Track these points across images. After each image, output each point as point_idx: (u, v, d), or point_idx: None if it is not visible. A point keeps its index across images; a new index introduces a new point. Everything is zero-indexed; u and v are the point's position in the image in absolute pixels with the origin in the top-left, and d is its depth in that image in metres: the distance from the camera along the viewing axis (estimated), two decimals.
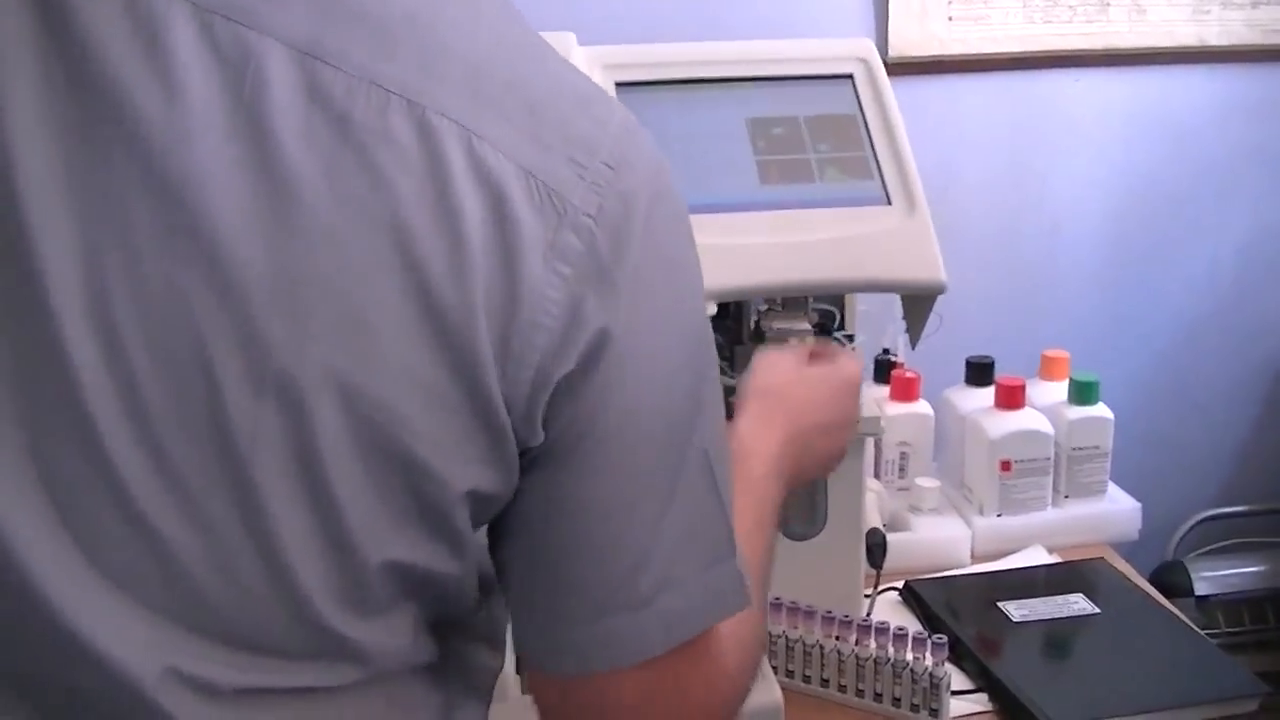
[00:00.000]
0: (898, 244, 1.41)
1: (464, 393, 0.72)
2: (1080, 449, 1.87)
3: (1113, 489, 1.91)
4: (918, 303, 1.43)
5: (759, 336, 1.49)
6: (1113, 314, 2.27)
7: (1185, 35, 2.24)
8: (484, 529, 0.82)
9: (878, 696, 1.46)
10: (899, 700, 1.45)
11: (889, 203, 1.43)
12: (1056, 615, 1.65)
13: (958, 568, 1.80)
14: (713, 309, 1.44)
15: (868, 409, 1.52)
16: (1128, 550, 1.88)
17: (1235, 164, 2.27)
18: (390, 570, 0.76)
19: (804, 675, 1.49)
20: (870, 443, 1.70)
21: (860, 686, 1.47)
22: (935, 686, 1.43)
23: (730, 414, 1.11)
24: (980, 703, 1.50)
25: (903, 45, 2.12)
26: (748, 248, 1.38)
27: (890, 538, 1.69)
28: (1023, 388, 1.85)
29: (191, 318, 0.69)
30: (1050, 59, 2.20)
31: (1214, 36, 2.25)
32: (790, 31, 1.41)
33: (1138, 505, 1.89)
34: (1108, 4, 2.22)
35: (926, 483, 1.86)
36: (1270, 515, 2.39)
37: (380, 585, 0.76)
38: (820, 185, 1.45)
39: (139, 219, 0.69)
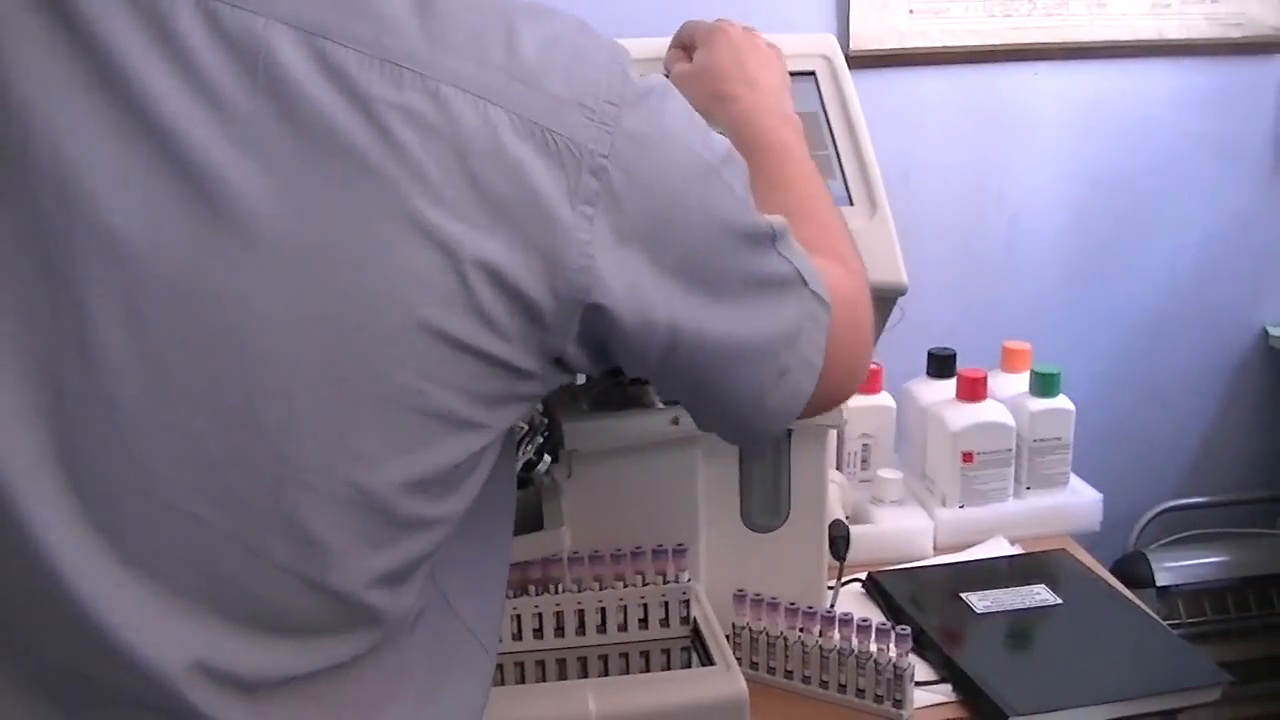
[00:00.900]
0: (859, 245, 1.41)
1: (488, 345, 0.76)
2: (1042, 440, 1.87)
3: (1074, 480, 1.92)
4: (879, 304, 1.43)
5: None
6: (1073, 305, 2.27)
7: (1145, 29, 2.24)
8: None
9: (842, 688, 1.46)
10: (863, 691, 1.45)
11: (850, 203, 1.44)
12: (1019, 606, 1.65)
13: (921, 559, 1.80)
14: None
15: None
16: (1090, 541, 1.88)
17: (1194, 157, 2.28)
18: (410, 490, 0.78)
19: (768, 667, 1.49)
20: (833, 435, 1.70)
21: (824, 678, 1.47)
22: (899, 677, 1.43)
23: None
24: (944, 693, 1.50)
25: (864, 38, 2.12)
26: None
27: (853, 529, 1.69)
28: (984, 380, 1.86)
29: (221, 299, 0.70)
30: (1010, 52, 2.20)
31: (1173, 30, 2.25)
32: (751, 23, 1.42)
33: (1099, 496, 1.90)
34: None
35: (889, 474, 1.86)
36: (1231, 506, 2.40)
37: (401, 521, 0.78)
38: None
39: (165, 204, 0.70)
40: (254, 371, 0.71)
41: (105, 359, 0.71)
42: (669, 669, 1.44)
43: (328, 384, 0.72)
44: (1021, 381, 1.91)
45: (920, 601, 1.66)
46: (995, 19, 2.21)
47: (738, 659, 1.40)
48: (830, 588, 1.63)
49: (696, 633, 1.45)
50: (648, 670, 1.43)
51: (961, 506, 1.85)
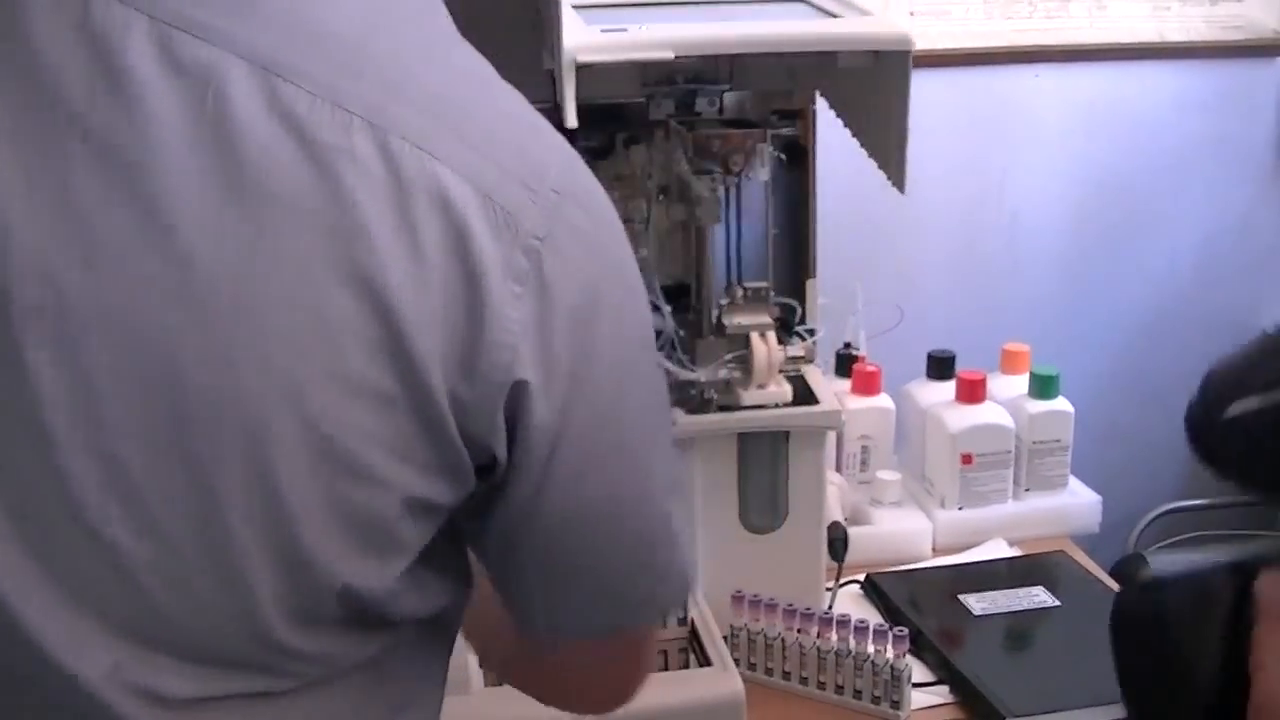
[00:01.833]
0: (857, 19, 1.45)
1: (413, 402, 0.73)
2: (1041, 443, 1.87)
3: (1073, 482, 1.92)
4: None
5: (719, 330, 1.49)
6: (1073, 306, 2.28)
7: (1145, 31, 2.25)
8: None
9: (839, 689, 1.46)
10: (860, 693, 1.45)
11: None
12: (1017, 608, 1.65)
13: (919, 560, 1.80)
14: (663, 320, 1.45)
15: (828, 402, 1.52)
16: (1088, 543, 1.88)
17: (1193, 158, 2.29)
18: (342, 590, 0.76)
19: (766, 668, 1.49)
20: (832, 436, 1.70)
21: (822, 679, 1.47)
22: (896, 679, 1.43)
23: None
24: (941, 695, 1.50)
25: None
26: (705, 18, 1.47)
27: (852, 531, 1.70)
28: (983, 381, 1.86)
29: (157, 330, 0.69)
30: (1011, 55, 2.21)
31: (1173, 33, 2.27)
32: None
33: (1098, 499, 1.90)
34: (1067, 0, 2.24)
35: (888, 476, 1.87)
36: (1229, 509, 2.40)
37: (331, 602, 0.76)
38: None
39: (104, 233, 0.69)
40: (184, 404, 0.70)
41: (34, 376, 0.70)
42: (667, 669, 1.44)
43: (256, 423, 0.71)
44: (1021, 383, 1.91)
45: (918, 603, 1.66)
46: (995, 21, 2.22)
47: (735, 660, 1.40)
48: (828, 589, 1.63)
49: (694, 633, 1.45)
50: None
51: (960, 508, 1.85)
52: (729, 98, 1.54)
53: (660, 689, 1.33)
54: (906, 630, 1.45)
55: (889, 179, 1.41)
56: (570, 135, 1.45)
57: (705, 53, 1.41)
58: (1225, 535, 2.31)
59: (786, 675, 1.49)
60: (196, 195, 0.69)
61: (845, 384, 1.89)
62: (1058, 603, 1.66)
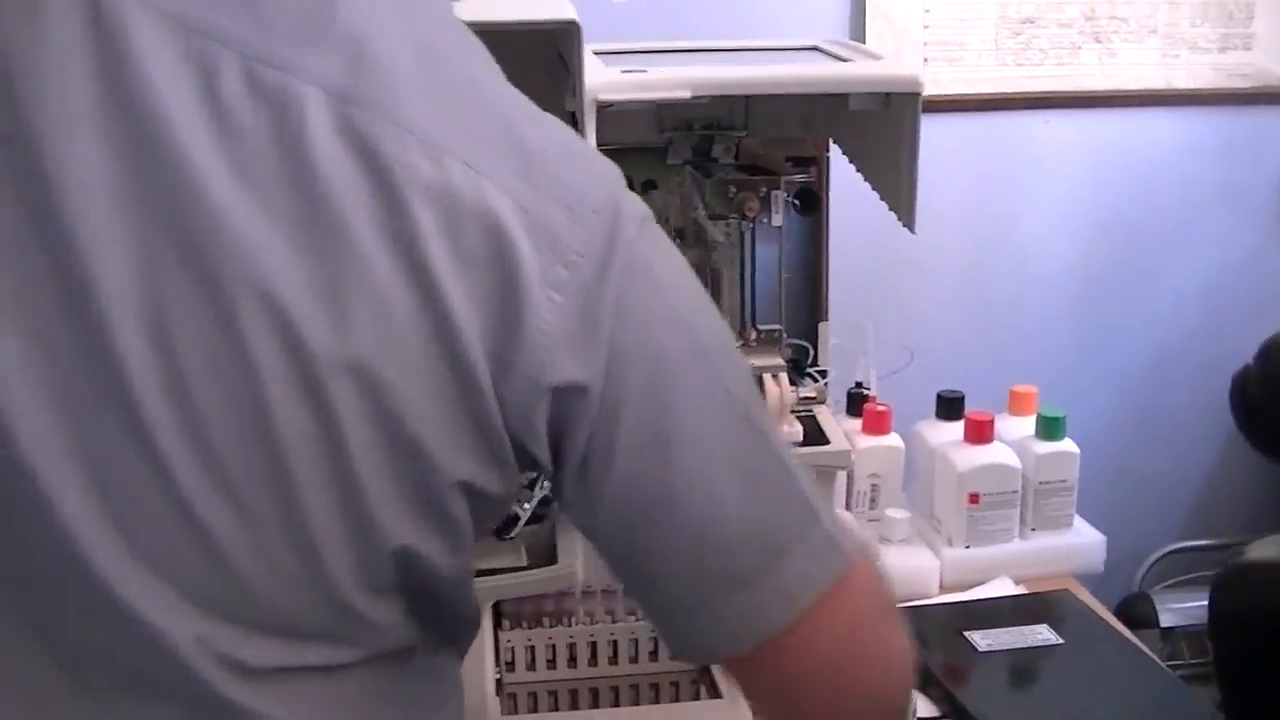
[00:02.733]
0: (869, 63, 1.50)
1: (462, 393, 0.79)
2: (1047, 483, 1.91)
3: (1079, 522, 1.95)
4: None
5: None
6: (1080, 348, 2.31)
7: (1154, 79, 2.29)
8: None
9: None
10: None
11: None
12: (1022, 645, 1.68)
13: (926, 597, 1.84)
14: None
15: (838, 442, 1.56)
16: (1094, 582, 1.92)
17: (1199, 203, 2.33)
18: (401, 554, 0.82)
19: None
20: (841, 475, 1.74)
21: None
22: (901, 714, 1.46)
23: None
24: None
25: None
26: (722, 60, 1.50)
27: None
28: (991, 422, 1.89)
29: (237, 322, 0.75)
30: (1022, 100, 2.25)
31: (1182, 80, 2.30)
32: None
33: (1103, 538, 1.93)
34: (1079, 47, 2.28)
35: (896, 514, 1.90)
36: (1235, 549, 2.43)
37: (391, 568, 0.82)
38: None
39: (189, 236, 0.75)
40: (262, 388, 0.76)
41: (128, 366, 0.75)
42: (678, 701, 1.47)
43: (330, 404, 0.77)
44: (1028, 424, 1.95)
45: (924, 639, 1.69)
46: (1008, 67, 2.26)
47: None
48: None
49: (705, 666, 1.48)
50: (657, 702, 1.47)
51: (967, 546, 1.88)
52: (745, 144, 1.59)
53: None
54: None
55: (900, 220, 1.45)
56: None
57: (721, 93, 1.44)
58: None
59: None
60: (273, 206, 0.75)
61: (856, 423, 1.93)
62: (1061, 640, 1.69)
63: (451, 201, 0.77)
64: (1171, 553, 2.41)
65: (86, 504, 0.77)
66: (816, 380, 1.63)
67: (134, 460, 0.76)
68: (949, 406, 1.97)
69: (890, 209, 1.48)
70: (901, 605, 1.74)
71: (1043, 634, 1.71)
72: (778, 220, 1.56)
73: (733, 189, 1.52)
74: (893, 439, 1.93)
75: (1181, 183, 2.32)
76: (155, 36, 0.76)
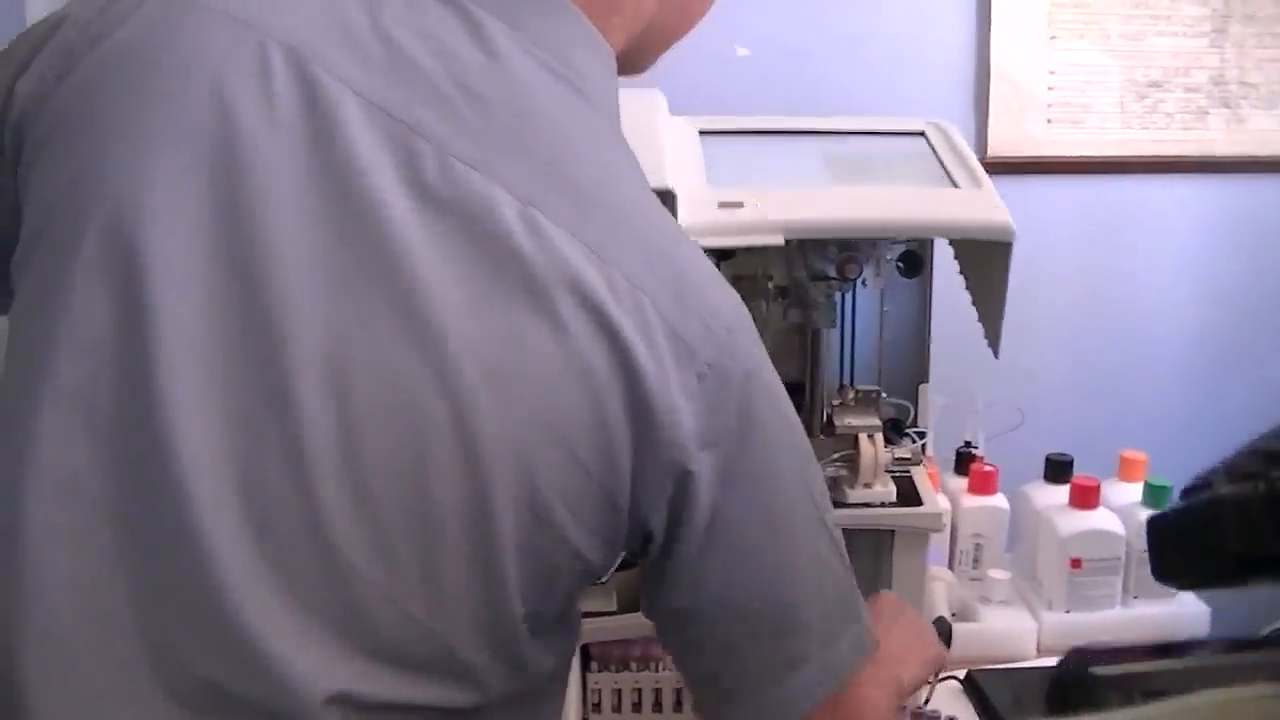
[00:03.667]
0: (964, 201, 1.51)
1: (605, 481, 0.88)
2: None
3: (1184, 594, 1.94)
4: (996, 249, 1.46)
5: (829, 430, 1.56)
6: (1193, 417, 2.29)
7: None
8: None
9: None
10: None
11: (956, 186, 1.53)
12: None
13: (1023, 660, 1.83)
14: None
15: (931, 504, 1.57)
16: None
17: None
18: (523, 619, 0.90)
19: None
20: (944, 534, 1.75)
21: None
22: None
23: None
24: None
25: (1000, 145, 2.18)
26: (817, 198, 1.49)
27: (957, 627, 1.74)
28: (1097, 488, 1.89)
29: (414, 390, 0.83)
30: (1145, 164, 2.25)
31: None
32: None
33: (1207, 610, 1.91)
34: (1206, 112, 2.27)
35: (997, 574, 1.90)
36: None
37: (512, 622, 0.90)
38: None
39: (376, 304, 0.84)
40: (428, 453, 0.83)
41: (302, 414, 0.83)
42: None
43: (486, 475, 0.85)
44: (1136, 491, 1.94)
45: (1017, 703, 1.69)
46: (1132, 130, 2.26)
47: None
48: (928, 683, 1.67)
49: None
50: None
51: (1068, 611, 1.88)
52: None
53: None
54: None
55: (986, 338, 1.47)
56: None
57: (813, 237, 1.51)
58: None
59: None
60: (454, 284, 0.84)
61: (963, 482, 1.94)
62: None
63: (605, 312, 0.86)
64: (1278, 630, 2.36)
65: (239, 534, 0.83)
66: (914, 441, 1.65)
67: (292, 498, 0.83)
68: (1057, 470, 1.96)
69: (978, 320, 1.50)
70: (996, 667, 1.77)
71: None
72: (879, 284, 1.58)
73: (834, 250, 1.55)
74: (998, 499, 1.93)
75: None
76: (361, 120, 0.86)
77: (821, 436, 1.56)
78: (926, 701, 1.62)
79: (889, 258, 1.59)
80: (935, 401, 1.74)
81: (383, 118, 0.86)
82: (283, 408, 0.83)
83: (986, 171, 1.61)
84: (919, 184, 1.54)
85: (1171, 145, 2.25)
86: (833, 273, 1.56)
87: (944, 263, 1.65)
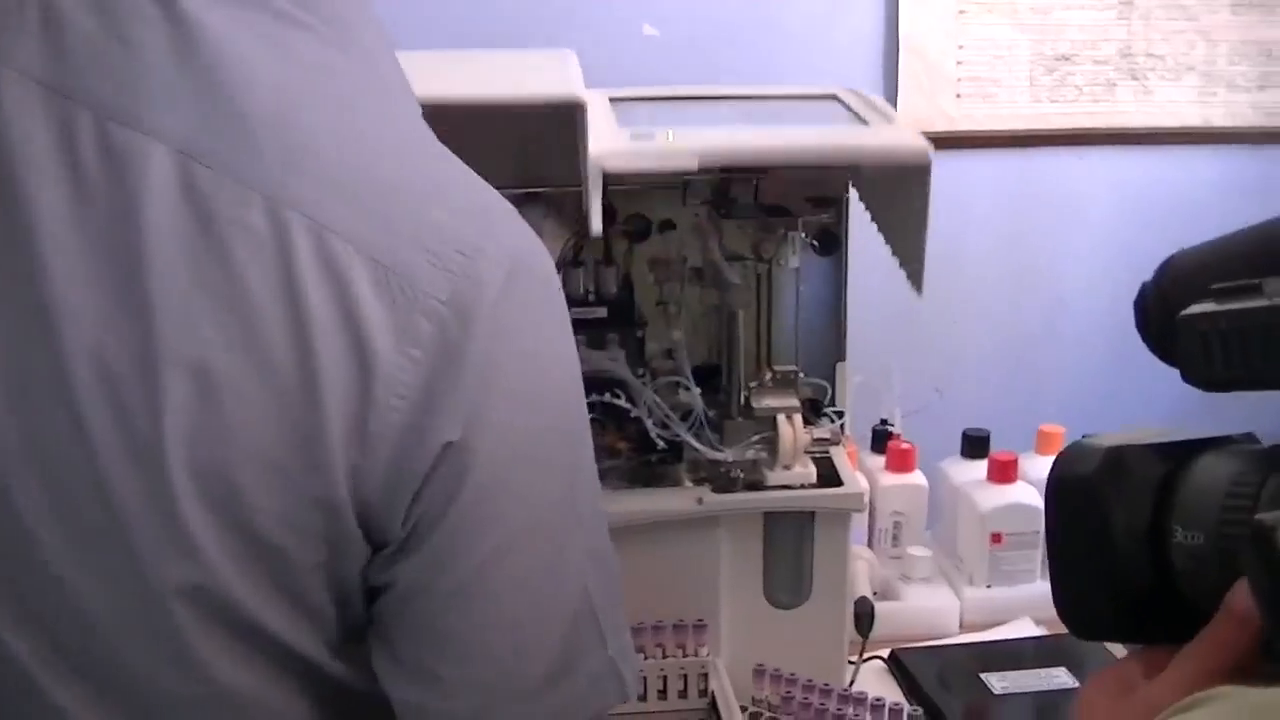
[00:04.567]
0: (878, 132, 1.48)
1: (306, 469, 0.77)
2: None
3: None
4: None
5: (748, 412, 1.54)
6: (1112, 390, 2.30)
7: (1191, 116, 2.29)
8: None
9: None
10: None
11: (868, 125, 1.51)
12: (1039, 688, 1.67)
13: (946, 637, 1.83)
14: (693, 400, 1.50)
15: (851, 484, 1.56)
16: None
17: None
18: (260, 633, 0.81)
19: None
20: (862, 514, 1.74)
21: None
22: None
23: None
24: None
25: (910, 120, 2.17)
26: (733, 131, 1.48)
27: (880, 606, 1.73)
28: (1015, 462, 1.88)
29: (75, 390, 0.75)
30: (1057, 137, 2.25)
31: (1219, 118, 2.30)
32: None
33: None
34: (1114, 84, 2.28)
35: (918, 552, 1.89)
36: None
37: (259, 646, 0.82)
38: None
39: (35, 299, 0.76)
40: (98, 461, 0.76)
41: None
42: None
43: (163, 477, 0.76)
44: None
45: (942, 680, 1.68)
46: (1042, 104, 2.26)
47: None
48: (851, 663, 1.66)
49: (713, 706, 1.49)
50: None
51: (989, 586, 1.88)
52: (764, 184, 1.60)
53: None
54: (921, 709, 1.48)
55: (908, 278, 1.45)
56: (607, 220, 1.51)
57: (728, 164, 1.46)
58: None
59: None
60: (94, 270, 0.75)
61: (881, 459, 1.93)
62: (1078, 685, 1.69)
63: (286, 260, 0.75)
64: None
65: None
66: (833, 421, 1.63)
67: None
68: (974, 445, 1.96)
69: (900, 265, 1.48)
70: (919, 645, 1.76)
71: (1060, 678, 1.70)
72: (794, 263, 1.56)
73: (750, 231, 1.53)
74: (916, 477, 1.92)
75: (1218, 222, 2.26)
76: (22, 100, 0.77)
77: (740, 419, 1.54)
78: (851, 683, 1.61)
79: (805, 236, 1.57)
80: (851, 379, 1.73)
81: (40, 91, 0.77)
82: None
83: None
84: (834, 124, 1.54)
85: (1082, 118, 2.26)
86: (748, 252, 1.54)
87: (858, 240, 1.64)
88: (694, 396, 1.54)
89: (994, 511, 1.86)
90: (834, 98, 1.59)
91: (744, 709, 1.50)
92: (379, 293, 0.76)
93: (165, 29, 0.77)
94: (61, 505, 0.77)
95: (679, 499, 1.51)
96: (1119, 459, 0.77)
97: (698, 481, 1.54)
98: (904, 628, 1.81)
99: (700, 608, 1.53)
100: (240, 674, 0.82)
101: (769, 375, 1.57)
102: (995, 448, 1.93)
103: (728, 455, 1.52)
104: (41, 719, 0.81)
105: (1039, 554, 1.88)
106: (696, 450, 1.52)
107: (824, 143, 1.46)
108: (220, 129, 0.77)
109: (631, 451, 1.55)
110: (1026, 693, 1.67)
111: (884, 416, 1.98)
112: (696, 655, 1.49)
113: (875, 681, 1.67)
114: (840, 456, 1.62)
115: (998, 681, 1.68)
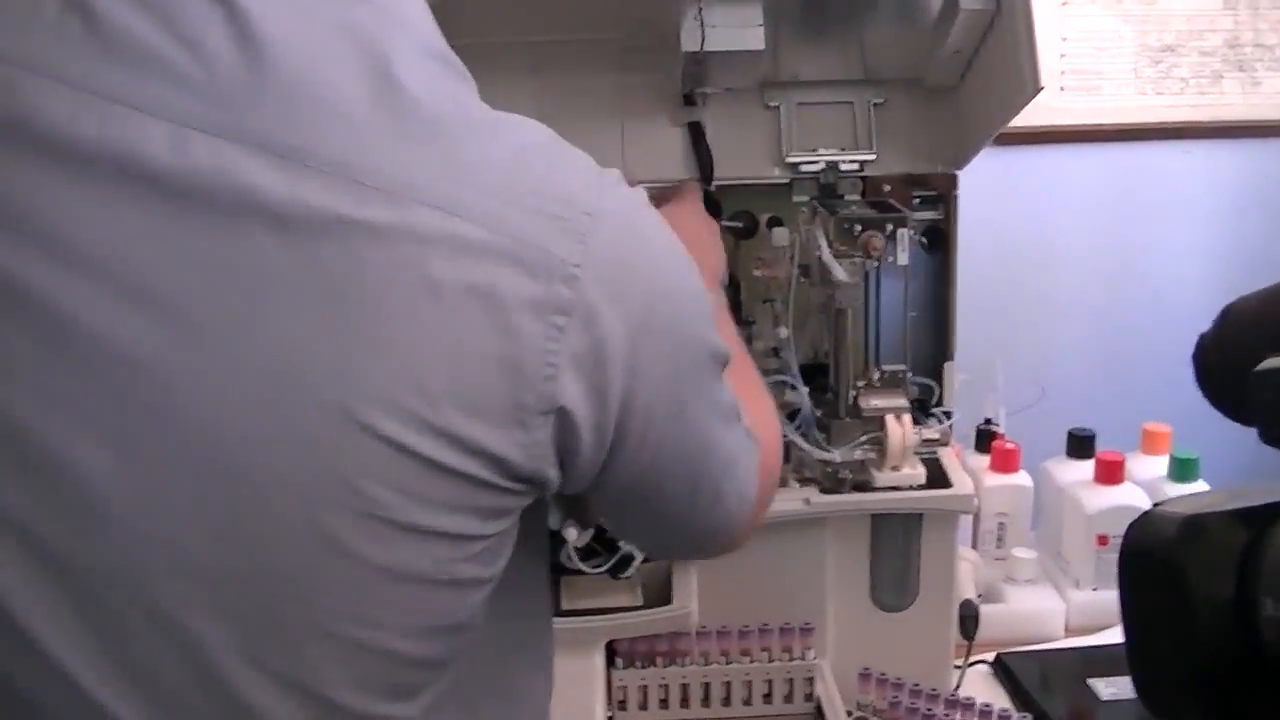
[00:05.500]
0: None
1: (459, 462, 0.75)
2: None
3: None
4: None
5: (856, 411, 1.52)
6: None
7: None
8: None
9: None
10: None
11: None
12: None
13: (1051, 640, 1.80)
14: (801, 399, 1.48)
15: (961, 486, 1.54)
16: None
17: None
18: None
19: None
20: (967, 516, 1.71)
21: None
22: None
23: None
24: None
25: None
26: None
27: (984, 609, 1.70)
28: (1122, 463, 1.85)
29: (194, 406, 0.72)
30: (1161, 130, 2.21)
31: None
32: None
33: None
34: (1221, 76, 2.23)
35: (1023, 554, 1.87)
36: None
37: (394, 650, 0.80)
38: None
39: (134, 323, 0.72)
40: (232, 488, 0.73)
41: (87, 476, 0.73)
42: None
43: (305, 500, 0.73)
44: (1161, 464, 1.91)
45: (1047, 683, 1.66)
46: (1147, 96, 2.22)
47: None
48: (957, 667, 1.64)
49: (819, 711, 1.47)
50: None
51: (1095, 589, 1.84)
52: (871, 182, 1.58)
53: None
54: (1029, 716, 1.46)
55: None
56: (714, 214, 1.50)
57: None
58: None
59: None
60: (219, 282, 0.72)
61: (984, 460, 1.90)
62: None
63: (419, 249, 0.72)
64: None
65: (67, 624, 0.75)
66: (941, 421, 1.61)
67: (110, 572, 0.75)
68: (1079, 445, 1.93)
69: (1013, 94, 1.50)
70: (1025, 649, 1.73)
71: None
72: (904, 259, 1.54)
73: (858, 227, 1.51)
74: (1021, 477, 1.89)
75: None
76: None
77: (848, 419, 1.52)
78: (957, 688, 1.59)
79: (914, 233, 1.54)
80: (956, 378, 1.70)
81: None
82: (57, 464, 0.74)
83: (1000, 141, 1.59)
84: None
85: (1186, 110, 2.21)
86: (856, 250, 1.51)
87: (964, 238, 1.62)
88: (801, 396, 1.52)
89: (1101, 513, 1.83)
90: None
91: (849, 714, 1.48)
92: (518, 269, 0.74)
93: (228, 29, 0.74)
94: None
95: (786, 500, 1.49)
96: (1198, 526, 0.74)
97: (804, 482, 1.52)
98: (1008, 631, 1.78)
99: (807, 610, 1.52)
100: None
101: (877, 374, 1.54)
102: (1100, 447, 1.90)
103: (835, 456, 1.50)
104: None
105: None
106: (803, 450, 1.50)
107: None
108: (322, 125, 0.73)
109: None
110: (1134, 699, 1.63)
111: (988, 416, 1.95)
112: (803, 659, 1.47)
113: (981, 686, 1.65)
114: (949, 458, 1.59)
115: (1105, 687, 1.65)
